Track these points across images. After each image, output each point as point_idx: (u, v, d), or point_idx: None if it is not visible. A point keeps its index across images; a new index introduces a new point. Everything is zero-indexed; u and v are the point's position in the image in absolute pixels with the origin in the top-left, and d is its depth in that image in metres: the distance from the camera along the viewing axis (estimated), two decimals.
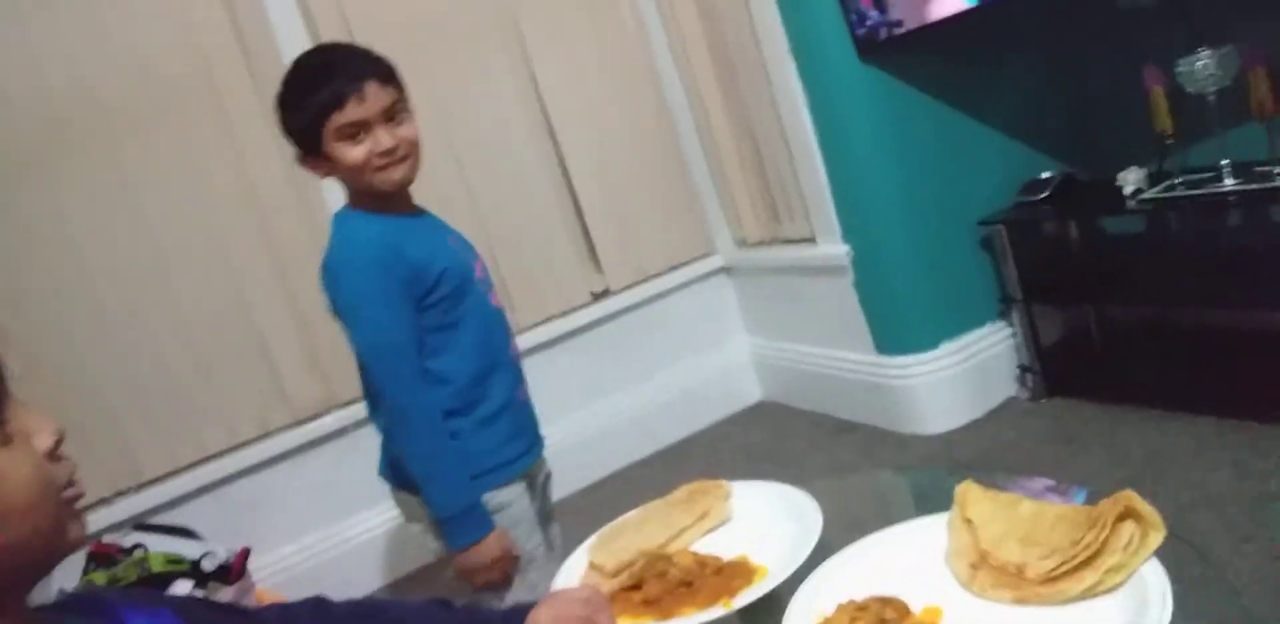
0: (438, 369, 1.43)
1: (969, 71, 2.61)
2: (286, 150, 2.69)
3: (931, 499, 0.97)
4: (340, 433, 2.67)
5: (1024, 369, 2.67)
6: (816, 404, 3.04)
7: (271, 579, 2.52)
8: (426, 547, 1.57)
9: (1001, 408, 2.65)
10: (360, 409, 2.65)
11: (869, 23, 2.42)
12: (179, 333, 2.50)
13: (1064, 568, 0.77)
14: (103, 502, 2.41)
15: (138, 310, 2.45)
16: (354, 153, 1.35)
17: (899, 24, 2.37)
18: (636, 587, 0.98)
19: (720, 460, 2.89)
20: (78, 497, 0.59)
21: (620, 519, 1.16)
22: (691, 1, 2.92)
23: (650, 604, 0.95)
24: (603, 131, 3.02)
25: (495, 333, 1.51)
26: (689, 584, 0.96)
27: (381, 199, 1.42)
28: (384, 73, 1.38)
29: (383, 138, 1.35)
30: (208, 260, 2.53)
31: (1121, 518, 0.79)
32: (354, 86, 1.33)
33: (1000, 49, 2.61)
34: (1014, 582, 0.79)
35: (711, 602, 0.91)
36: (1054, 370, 2.63)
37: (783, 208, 2.94)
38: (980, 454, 2.44)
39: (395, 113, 1.38)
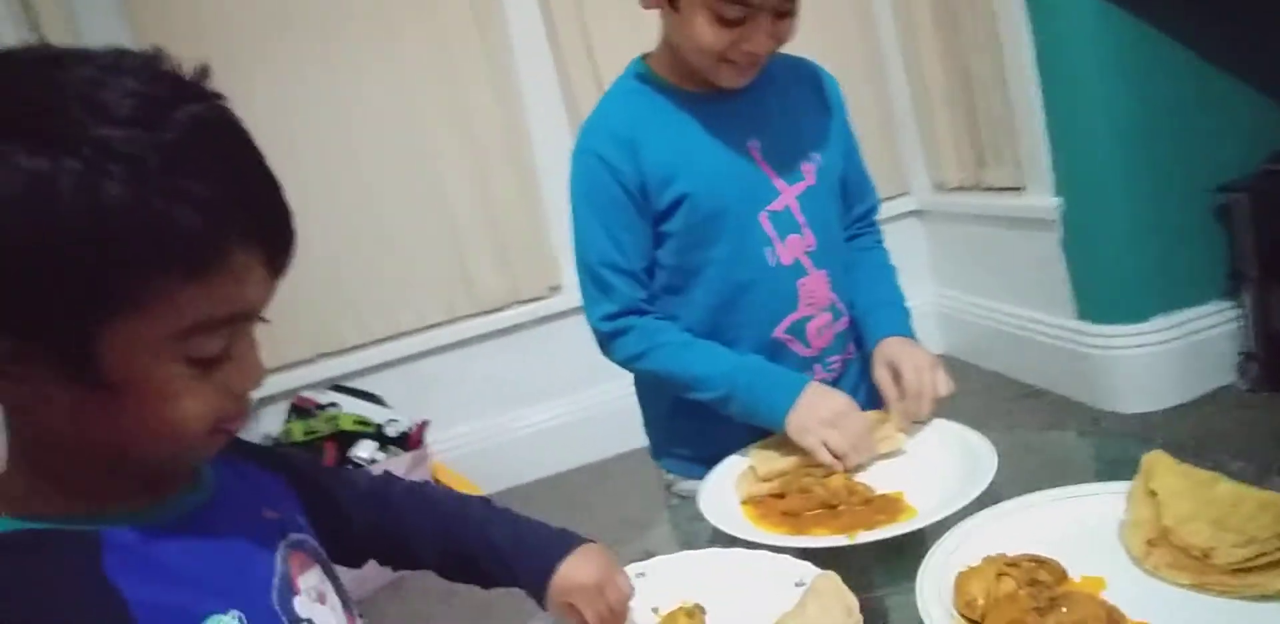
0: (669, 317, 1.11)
1: (1226, 16, 2.28)
2: (492, 54, 2.78)
3: (1117, 469, 0.87)
4: (520, 327, 2.82)
5: (1247, 356, 2.39)
6: (1002, 365, 2.88)
7: (446, 454, 2.72)
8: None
9: (1214, 395, 2.41)
10: (542, 307, 2.77)
11: None
12: (381, 218, 2.69)
13: (1262, 560, 0.69)
14: (306, 361, 2.68)
15: (348, 193, 2.65)
16: (713, 36, 0.96)
17: None
18: (784, 496, 0.96)
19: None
20: (238, 429, 0.60)
21: None
22: None
23: (788, 516, 0.93)
24: (802, 52, 2.88)
25: (755, 300, 1.08)
26: (833, 507, 0.93)
27: (693, 70, 1.04)
28: None
29: (761, 37, 0.97)
30: (411, 154, 2.70)
31: None
32: None
33: None
34: (1196, 566, 0.71)
35: (846, 530, 0.88)
36: None
37: (990, 151, 2.73)
38: (1181, 443, 2.21)
39: (789, 3, 0.98)
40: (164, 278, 0.49)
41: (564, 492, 2.73)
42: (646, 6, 1.03)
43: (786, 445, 1.03)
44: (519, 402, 2.84)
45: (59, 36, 2.28)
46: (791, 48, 1.08)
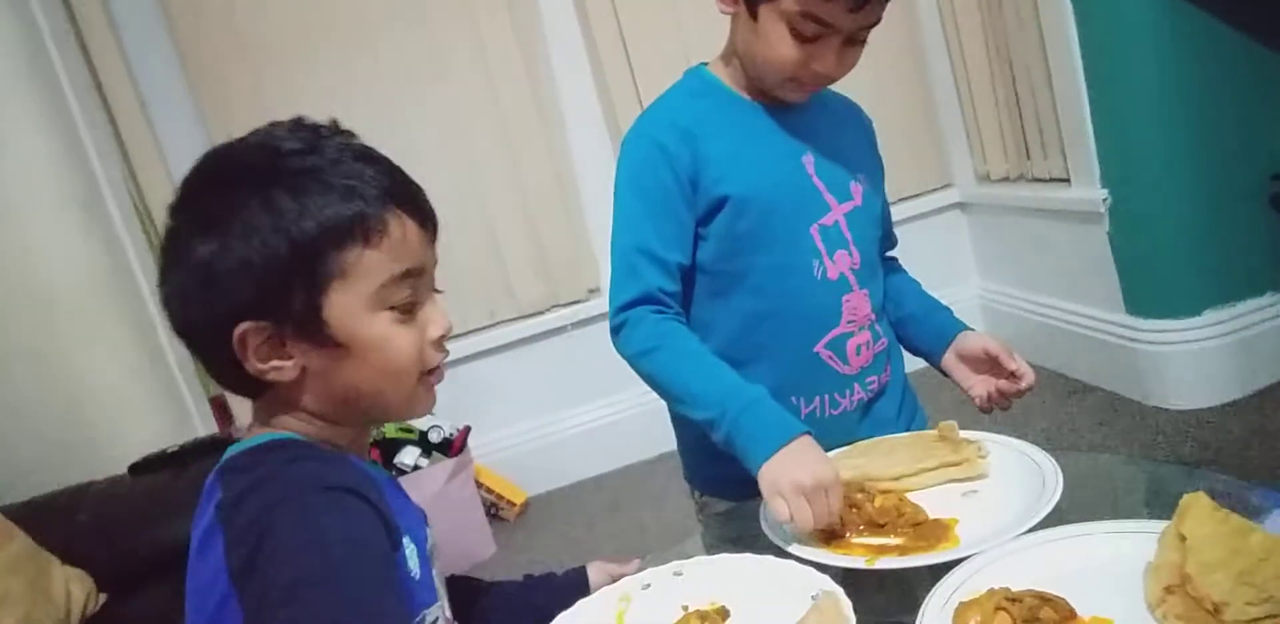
0: (700, 325, 1.08)
1: None
2: (532, 66, 2.78)
3: (1170, 502, 0.84)
4: (560, 330, 2.85)
5: None
6: (1049, 360, 2.82)
7: (487, 458, 2.77)
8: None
9: (1268, 391, 2.33)
10: (581, 310, 2.80)
11: None
12: None
13: (1270, 623, 0.66)
14: None
15: None
16: (785, 50, 0.98)
17: None
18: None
19: (940, 408, 2.74)
20: (437, 380, 0.79)
21: (884, 437, 1.08)
22: None
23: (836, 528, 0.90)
24: None
25: (799, 312, 1.06)
26: (880, 525, 0.90)
27: (754, 81, 1.06)
28: None
29: (830, 58, 0.98)
30: (452, 159, 2.73)
31: None
32: None
33: None
34: (1205, 619, 0.69)
35: (883, 552, 0.86)
36: None
37: (1034, 142, 2.67)
38: (1233, 441, 2.17)
39: (863, 32, 0.99)
40: (356, 250, 0.70)
41: (606, 493, 2.75)
42: (724, 11, 1.03)
43: (868, 453, 1.02)
44: (560, 405, 2.88)
45: (112, 70, 2.36)
46: None
